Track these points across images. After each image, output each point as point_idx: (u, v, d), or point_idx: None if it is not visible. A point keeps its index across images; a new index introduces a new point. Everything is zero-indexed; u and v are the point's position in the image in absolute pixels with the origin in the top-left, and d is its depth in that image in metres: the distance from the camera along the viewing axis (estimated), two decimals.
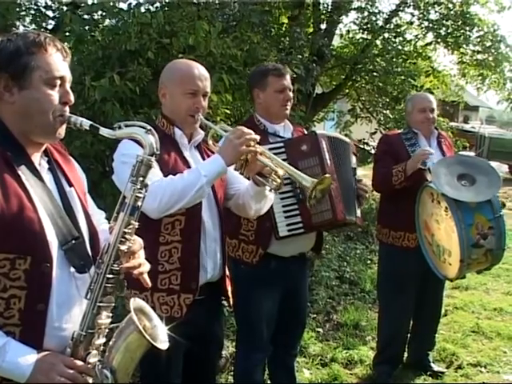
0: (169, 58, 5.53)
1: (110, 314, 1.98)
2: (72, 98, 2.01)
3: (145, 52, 5.37)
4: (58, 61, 1.98)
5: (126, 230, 1.96)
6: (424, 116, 4.74)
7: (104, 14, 6.02)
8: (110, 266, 1.94)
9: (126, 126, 2.01)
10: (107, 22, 6.08)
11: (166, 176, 2.80)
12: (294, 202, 3.71)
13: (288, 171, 2.90)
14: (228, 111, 5.47)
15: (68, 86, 2.02)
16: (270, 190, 3.01)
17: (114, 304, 1.98)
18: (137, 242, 2.09)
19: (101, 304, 1.94)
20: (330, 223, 3.78)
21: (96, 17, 6.18)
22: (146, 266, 2.16)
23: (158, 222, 2.84)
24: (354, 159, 4.01)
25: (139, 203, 1.98)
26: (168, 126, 3.04)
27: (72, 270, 1.98)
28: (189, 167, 2.95)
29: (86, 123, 2.00)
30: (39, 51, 1.95)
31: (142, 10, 6.24)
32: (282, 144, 3.73)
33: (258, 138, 2.87)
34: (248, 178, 3.08)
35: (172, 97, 3.02)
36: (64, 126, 2.01)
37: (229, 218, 3.32)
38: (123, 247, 1.96)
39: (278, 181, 2.89)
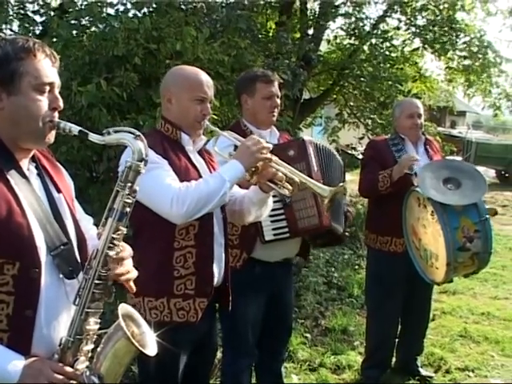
0: (156, 63, 5.57)
1: (99, 320, 1.99)
2: (61, 103, 2.02)
3: (132, 57, 5.38)
4: (47, 67, 1.99)
5: (114, 236, 1.96)
6: (412, 122, 4.76)
7: (91, 19, 6.02)
8: (98, 271, 1.95)
9: (115, 131, 2.01)
10: (94, 27, 6.08)
11: (180, 181, 2.83)
12: (280, 206, 3.74)
13: (302, 179, 2.96)
14: (215, 117, 5.48)
15: (57, 91, 2.02)
16: (282, 198, 3.17)
17: (102, 310, 1.99)
18: (126, 250, 2.10)
19: (89, 310, 1.94)
20: (316, 229, 3.79)
21: (83, 22, 6.17)
22: (134, 273, 2.16)
23: (172, 228, 2.87)
24: (345, 177, 4.07)
25: (128, 209, 1.99)
26: (174, 131, 3.03)
27: (61, 275, 1.98)
28: (198, 172, 2.99)
29: (76, 129, 2.00)
30: (28, 57, 1.95)
31: (130, 15, 6.26)
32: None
33: (270, 146, 2.93)
34: (248, 186, 3.11)
35: (179, 102, 3.01)
36: (53, 132, 2.01)
37: None
38: (111, 253, 1.97)
39: (290, 187, 2.94)
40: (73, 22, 6.06)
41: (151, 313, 2.91)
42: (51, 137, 2.02)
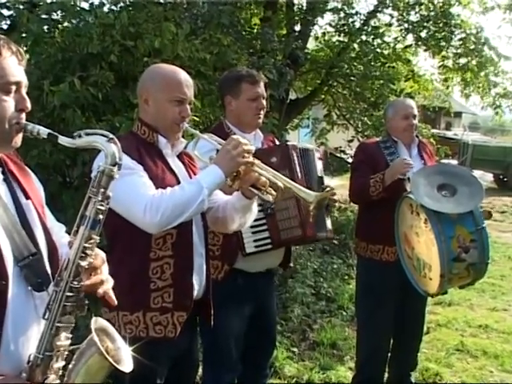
0: (133, 61, 5.55)
1: (70, 336, 1.96)
2: (29, 104, 2.00)
3: (108, 55, 5.36)
4: (13, 65, 1.96)
5: (86, 245, 1.94)
6: (407, 123, 4.76)
7: (64, 13, 5.99)
8: (69, 283, 1.92)
9: (87, 134, 1.99)
10: (67, 22, 6.05)
11: (155, 188, 2.82)
12: (262, 216, 3.75)
13: (287, 184, 2.94)
14: (197, 118, 5.48)
15: (24, 91, 2.00)
16: (266, 205, 3.15)
17: (74, 324, 1.97)
18: (98, 257, 2.08)
19: (59, 324, 1.92)
20: (300, 240, 3.85)
21: (55, 17, 6.13)
22: (110, 283, 2.14)
23: (148, 237, 2.86)
24: (320, 166, 4.06)
25: (101, 216, 1.97)
26: (151, 134, 3.02)
27: (29, 288, 1.96)
28: (176, 178, 2.98)
29: (44, 131, 1.98)
30: None
31: (105, 10, 6.24)
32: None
33: (253, 148, 2.92)
34: (231, 192, 3.10)
35: (156, 103, 3.00)
36: (20, 135, 1.99)
37: None
38: (84, 263, 1.95)
39: (274, 193, 2.93)
40: (44, 16, 6.01)
41: (126, 328, 2.89)
42: (18, 140, 2.00)
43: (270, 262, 3.99)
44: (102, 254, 2.11)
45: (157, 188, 2.81)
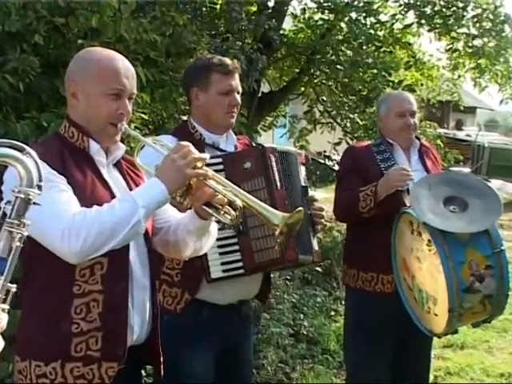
0: (64, 44, 5.50)
1: None
2: None
3: (31, 35, 5.31)
4: None
5: None
6: (403, 122, 4.80)
7: None
8: None
9: None
10: None
11: (83, 205, 2.75)
12: (233, 234, 3.74)
13: (248, 202, 2.89)
14: (145, 116, 5.47)
15: None
16: (224, 226, 3.04)
17: None
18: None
19: None
20: (278, 263, 3.81)
21: None
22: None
23: (70, 267, 2.79)
24: (303, 173, 4.07)
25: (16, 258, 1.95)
26: (80, 137, 2.96)
27: None
28: (111, 192, 2.94)
29: None
30: None
31: None
32: (220, 159, 3.77)
33: (207, 157, 2.89)
34: (184, 209, 3.08)
35: (87, 98, 2.94)
36: None
37: None
38: None
39: (233, 213, 2.88)
40: None
41: (39, 382, 2.82)
42: None
43: (244, 292, 3.97)
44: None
45: (86, 205, 2.74)
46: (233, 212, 2.88)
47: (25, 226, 1.96)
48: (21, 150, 1.97)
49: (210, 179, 2.87)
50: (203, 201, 2.90)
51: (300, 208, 2.98)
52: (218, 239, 3.55)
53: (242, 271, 3.77)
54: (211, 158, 3.67)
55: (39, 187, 1.96)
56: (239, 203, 2.85)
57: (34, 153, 1.97)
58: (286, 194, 3.80)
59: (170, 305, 3.76)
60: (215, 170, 3.52)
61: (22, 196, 1.94)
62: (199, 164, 2.82)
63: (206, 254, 3.63)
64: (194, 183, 2.87)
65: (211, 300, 3.82)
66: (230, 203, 2.87)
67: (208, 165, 3.25)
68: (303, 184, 4.02)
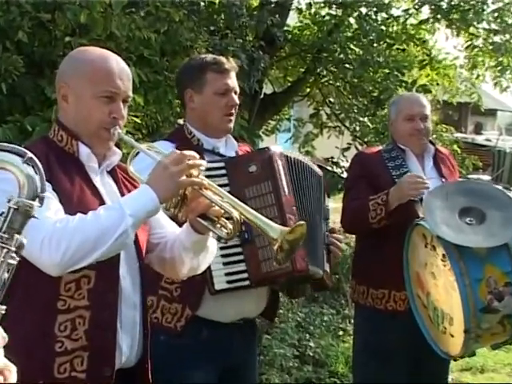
0: (50, 41, 5.52)
1: None
2: None
3: (14, 32, 5.33)
4: None
5: None
6: (412, 126, 4.79)
7: None
8: None
9: None
10: None
11: (69, 213, 2.73)
12: (237, 242, 3.73)
13: (246, 214, 2.86)
14: (137, 120, 5.47)
15: None
16: (219, 240, 2.99)
17: None
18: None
19: None
20: (287, 274, 3.77)
21: None
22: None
23: (55, 280, 2.77)
24: (327, 198, 4.11)
25: (6, 275, 1.90)
26: (69, 141, 2.96)
27: None
28: (101, 200, 2.92)
29: None
30: None
31: None
32: (222, 164, 3.78)
33: (204, 163, 2.88)
34: (181, 223, 3.06)
35: (78, 101, 2.95)
36: None
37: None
38: None
39: (230, 226, 2.86)
40: None
41: None
42: None
43: (248, 309, 3.96)
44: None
45: (72, 214, 2.72)
46: (230, 225, 2.86)
47: (22, 247, 1.92)
48: (22, 155, 1.94)
49: (207, 189, 2.84)
50: (198, 212, 2.88)
51: (302, 222, 2.95)
52: (221, 248, 3.59)
53: (247, 283, 3.77)
54: (212, 162, 3.73)
55: (41, 200, 1.93)
56: (236, 215, 2.82)
57: (36, 160, 1.94)
58: (296, 200, 3.80)
59: (170, 322, 3.76)
60: (217, 175, 3.60)
61: (21, 207, 1.89)
62: (195, 172, 2.80)
63: (209, 265, 3.62)
64: (189, 193, 2.85)
65: (212, 317, 3.83)
66: (228, 215, 2.85)
67: (209, 169, 3.27)
68: (326, 207, 4.07)
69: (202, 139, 3.92)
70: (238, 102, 3.99)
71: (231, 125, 3.99)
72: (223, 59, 4.02)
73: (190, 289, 3.73)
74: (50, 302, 2.81)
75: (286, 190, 3.78)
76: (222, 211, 2.85)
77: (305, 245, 3.68)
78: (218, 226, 2.88)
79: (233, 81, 3.96)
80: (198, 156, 2.86)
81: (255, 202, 3.61)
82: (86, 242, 2.64)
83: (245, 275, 3.75)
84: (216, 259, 3.49)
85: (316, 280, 4.03)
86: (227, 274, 3.74)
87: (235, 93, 3.97)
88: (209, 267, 3.59)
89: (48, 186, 2.62)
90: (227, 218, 2.87)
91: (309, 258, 3.78)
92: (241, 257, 3.75)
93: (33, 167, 1.93)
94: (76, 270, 2.74)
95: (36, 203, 1.91)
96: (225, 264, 3.73)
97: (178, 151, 2.84)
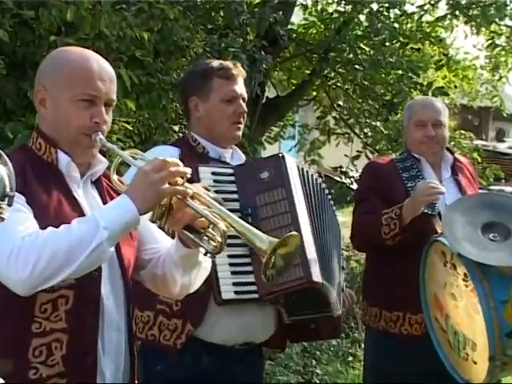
0: (34, 41, 5.54)
1: None
2: None
3: None
4: None
5: None
6: (423, 133, 4.78)
7: None
8: None
9: None
10: None
11: (44, 227, 2.70)
12: (246, 253, 3.74)
13: (233, 224, 2.79)
14: (129, 126, 5.48)
15: None
16: (206, 254, 2.93)
17: None
18: None
19: None
20: (299, 285, 3.74)
21: None
22: None
23: (29, 301, 2.74)
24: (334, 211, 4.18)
25: None
26: (48, 149, 2.95)
27: None
28: (81, 213, 2.89)
29: None
30: None
31: None
32: (230, 170, 3.81)
33: (188, 171, 2.83)
34: (172, 235, 3.05)
35: (56, 105, 2.93)
36: None
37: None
38: None
39: (219, 239, 2.80)
40: None
41: None
42: None
43: (253, 331, 3.95)
44: None
45: (46, 227, 2.69)
46: (219, 238, 2.79)
47: None
48: None
49: (193, 198, 2.78)
50: (183, 223, 2.82)
51: (294, 233, 2.87)
52: (229, 256, 3.64)
53: (256, 295, 3.77)
54: (220, 168, 3.75)
55: (10, 199, 1.95)
56: (222, 226, 2.75)
57: (6, 158, 1.95)
58: (308, 212, 3.84)
59: (168, 340, 3.76)
60: (225, 182, 3.59)
61: None
62: (180, 180, 2.74)
63: (215, 272, 3.64)
64: (174, 203, 2.79)
65: (214, 338, 3.83)
66: (215, 226, 2.78)
67: (216, 174, 3.27)
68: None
69: (207, 147, 3.94)
70: (246, 109, 4.02)
71: (239, 133, 4.02)
72: (230, 64, 4.06)
73: (192, 302, 3.65)
74: (23, 325, 2.79)
75: (299, 197, 3.83)
76: (207, 222, 2.79)
77: (320, 257, 3.81)
78: (206, 238, 2.83)
79: (240, 87, 3.99)
80: (181, 164, 2.78)
81: (267, 209, 3.65)
82: (56, 257, 2.59)
83: (253, 287, 3.76)
84: (224, 267, 3.57)
85: (328, 317, 4.03)
86: (235, 284, 3.75)
87: (243, 100, 4.00)
88: (216, 275, 3.64)
89: (22, 200, 2.67)
90: (217, 230, 2.80)
91: (323, 275, 3.80)
92: (250, 268, 3.76)
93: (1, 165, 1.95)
94: (52, 289, 2.71)
95: (4, 203, 1.95)
96: (233, 273, 3.74)
97: (161, 157, 2.77)
